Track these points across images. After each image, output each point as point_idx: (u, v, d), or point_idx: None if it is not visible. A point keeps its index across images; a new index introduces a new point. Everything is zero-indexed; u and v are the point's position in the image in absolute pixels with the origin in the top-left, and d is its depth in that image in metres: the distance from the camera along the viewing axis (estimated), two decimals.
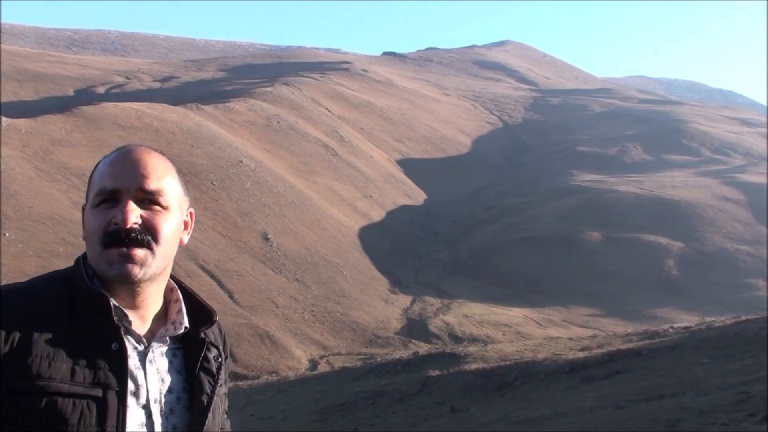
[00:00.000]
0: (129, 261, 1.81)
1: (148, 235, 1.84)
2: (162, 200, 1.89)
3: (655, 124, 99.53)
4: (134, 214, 1.83)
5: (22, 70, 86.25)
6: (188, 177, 48.11)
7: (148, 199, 1.87)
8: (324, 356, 36.54)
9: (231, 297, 38.71)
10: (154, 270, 1.87)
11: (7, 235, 34.66)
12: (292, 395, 25.26)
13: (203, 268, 39.96)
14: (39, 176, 41.67)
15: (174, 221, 1.92)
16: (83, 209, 1.94)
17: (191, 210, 2.04)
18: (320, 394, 24.14)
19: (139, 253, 1.82)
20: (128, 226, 1.81)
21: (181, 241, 1.98)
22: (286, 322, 38.42)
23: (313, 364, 35.34)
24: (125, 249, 1.81)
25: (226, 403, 2.15)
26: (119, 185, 1.85)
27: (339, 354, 36.99)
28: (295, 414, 21.75)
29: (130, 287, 1.86)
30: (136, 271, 1.82)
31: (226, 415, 2.18)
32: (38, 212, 37.44)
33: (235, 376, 32.26)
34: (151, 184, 1.87)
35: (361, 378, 25.77)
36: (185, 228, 2.00)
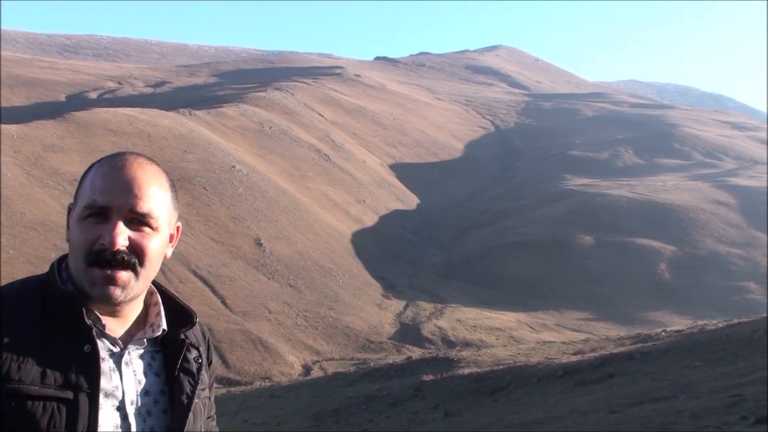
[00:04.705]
0: (112, 283, 1.80)
1: (134, 258, 1.83)
2: (152, 222, 1.87)
3: (646, 128, 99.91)
4: (122, 237, 1.81)
5: (13, 76, 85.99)
6: (181, 182, 48.08)
7: (138, 220, 1.85)
8: (317, 361, 36.48)
9: (223, 302, 38.61)
10: (136, 291, 1.86)
11: None
12: (286, 401, 25.19)
13: (195, 274, 39.86)
14: (31, 182, 41.52)
15: (161, 241, 1.91)
16: (69, 209, 1.92)
17: (179, 224, 2.03)
18: (313, 399, 24.10)
19: (123, 276, 1.81)
20: (116, 249, 1.79)
21: (165, 256, 1.96)
22: (278, 328, 38.35)
23: (306, 369, 35.28)
24: (109, 271, 1.79)
25: (213, 409, 2.13)
26: (110, 203, 1.82)
27: (332, 359, 36.93)
28: (289, 419, 21.70)
29: (110, 306, 1.85)
30: (118, 294, 1.81)
31: (214, 422, 2.17)
32: (30, 218, 37.29)
33: (227, 382, 32.17)
34: (143, 207, 1.84)
35: (355, 383, 25.72)
36: (170, 241, 1.98)
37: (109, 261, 1.79)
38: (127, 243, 1.81)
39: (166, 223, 1.92)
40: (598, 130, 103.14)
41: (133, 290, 1.84)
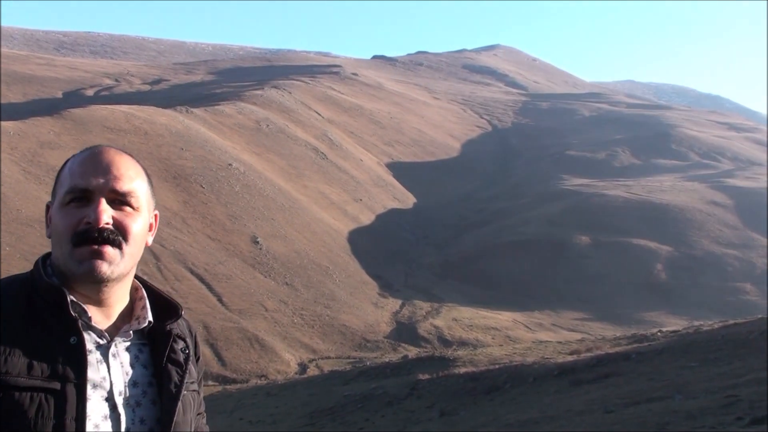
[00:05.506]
0: (99, 258, 1.83)
1: (119, 236, 1.87)
2: (133, 201, 1.91)
3: (643, 129, 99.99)
4: (107, 214, 1.85)
5: (10, 72, 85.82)
6: (177, 180, 48.04)
7: (119, 200, 1.89)
8: (313, 360, 36.48)
9: (220, 300, 38.60)
10: (122, 269, 1.89)
11: None
12: (282, 399, 25.20)
13: (192, 272, 39.83)
14: (27, 179, 41.45)
15: (143, 222, 1.95)
16: (47, 207, 1.95)
17: (156, 212, 2.07)
18: (309, 397, 24.10)
19: (110, 251, 1.84)
20: (101, 226, 1.83)
21: (146, 243, 2.00)
22: (275, 326, 38.34)
23: (303, 367, 35.28)
24: (96, 246, 1.83)
25: (202, 406, 2.16)
26: (91, 185, 1.86)
27: (328, 358, 36.94)
28: (285, 418, 21.71)
29: (97, 286, 1.88)
30: (105, 269, 1.84)
31: (204, 419, 2.19)
32: (26, 215, 37.23)
33: (223, 380, 32.17)
34: (124, 186, 1.89)
35: (351, 382, 25.74)
36: (149, 229, 2.02)
37: (96, 238, 1.83)
38: (111, 221, 1.86)
39: (146, 206, 1.97)
40: (595, 130, 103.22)
41: (119, 267, 1.87)
